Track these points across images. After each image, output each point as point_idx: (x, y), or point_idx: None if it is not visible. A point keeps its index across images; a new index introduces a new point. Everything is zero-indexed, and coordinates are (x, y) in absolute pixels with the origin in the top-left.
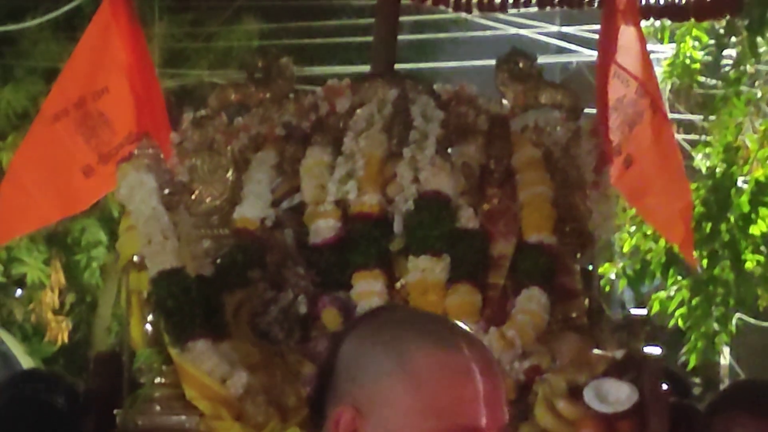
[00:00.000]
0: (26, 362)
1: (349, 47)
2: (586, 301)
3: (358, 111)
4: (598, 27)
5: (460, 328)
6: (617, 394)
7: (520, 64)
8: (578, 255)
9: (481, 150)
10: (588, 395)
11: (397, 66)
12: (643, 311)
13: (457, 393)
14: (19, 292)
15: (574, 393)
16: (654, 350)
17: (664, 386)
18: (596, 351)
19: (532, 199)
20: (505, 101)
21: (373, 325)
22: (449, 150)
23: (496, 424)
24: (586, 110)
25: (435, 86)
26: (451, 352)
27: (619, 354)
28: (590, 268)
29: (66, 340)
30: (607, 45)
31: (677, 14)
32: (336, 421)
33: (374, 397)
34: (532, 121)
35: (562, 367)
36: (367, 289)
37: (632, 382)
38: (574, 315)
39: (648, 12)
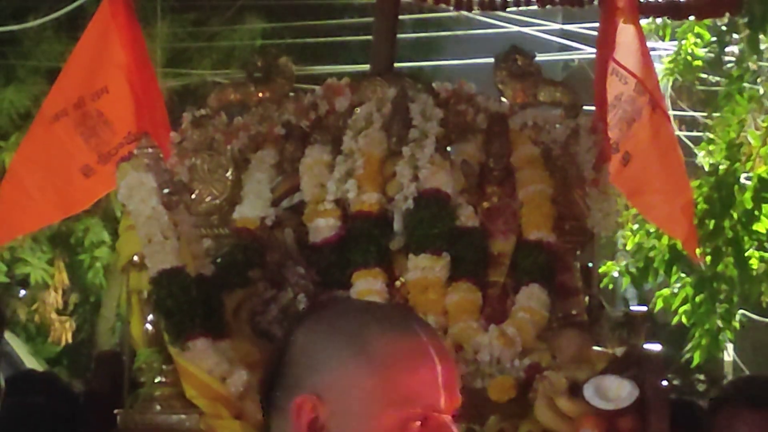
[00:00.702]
0: (30, 362)
1: (351, 46)
2: (586, 299)
3: (358, 110)
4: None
5: (414, 313)
6: (618, 391)
7: (519, 62)
8: (578, 252)
9: (480, 148)
10: (588, 392)
11: (398, 64)
12: (644, 308)
13: (419, 377)
14: (22, 292)
15: (575, 390)
16: (654, 347)
17: (665, 383)
18: (596, 348)
19: (532, 197)
20: (504, 99)
21: (327, 314)
22: (448, 148)
23: (453, 405)
24: (588, 107)
25: (434, 84)
26: (409, 337)
27: (619, 351)
28: (590, 265)
29: (70, 340)
30: (605, 43)
31: (677, 12)
32: (297, 409)
33: (336, 383)
34: (531, 119)
35: (563, 364)
36: (367, 288)
37: (633, 379)
38: (574, 312)
39: (648, 10)
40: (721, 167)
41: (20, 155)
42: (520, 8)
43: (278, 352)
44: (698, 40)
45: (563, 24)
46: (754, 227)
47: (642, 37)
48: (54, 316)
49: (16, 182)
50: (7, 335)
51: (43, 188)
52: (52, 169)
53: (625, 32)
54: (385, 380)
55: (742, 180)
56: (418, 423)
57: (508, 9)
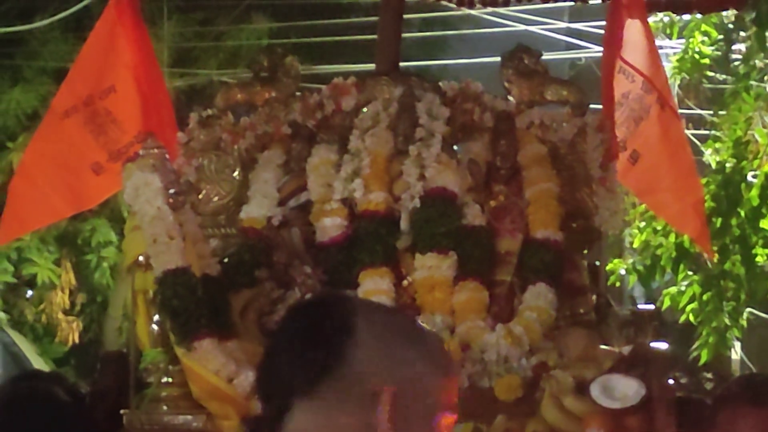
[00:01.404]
0: (37, 363)
1: (358, 45)
2: (594, 297)
3: (364, 109)
4: None
5: None
6: (624, 390)
7: (526, 61)
8: (585, 251)
9: (487, 147)
10: (595, 391)
11: (406, 64)
12: (651, 306)
13: (453, 385)
14: (29, 292)
15: (581, 389)
16: (661, 345)
17: (671, 381)
18: (603, 347)
19: (539, 196)
20: (510, 98)
21: (378, 312)
22: (455, 147)
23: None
24: (595, 106)
25: (440, 83)
26: (438, 341)
27: (626, 349)
28: (597, 263)
29: (76, 340)
30: (612, 41)
31: (682, 7)
32: (377, 396)
33: (406, 380)
34: (538, 118)
35: (569, 363)
36: (374, 287)
37: (639, 378)
38: (581, 311)
39: (653, 5)
40: (727, 165)
41: (31, 150)
42: (525, 6)
43: (332, 344)
44: (705, 38)
45: (570, 23)
46: (761, 225)
47: (650, 35)
48: (61, 316)
49: (27, 177)
50: (14, 336)
51: (54, 184)
52: (62, 165)
53: (633, 30)
54: (442, 385)
55: (749, 178)
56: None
57: (511, 7)
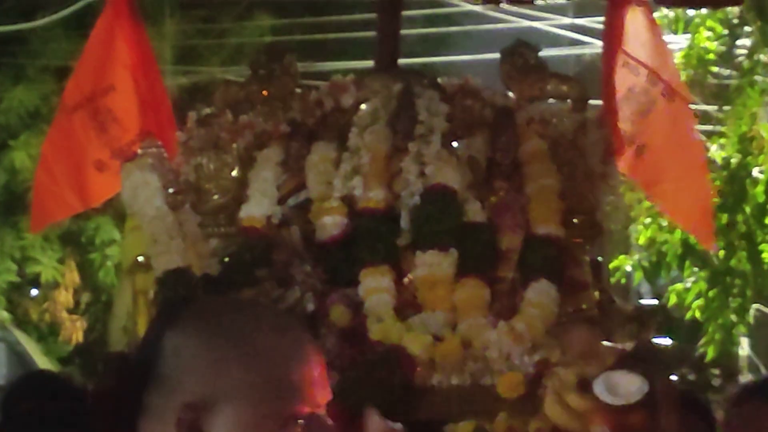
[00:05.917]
0: (42, 362)
1: (361, 42)
2: (596, 293)
3: (363, 106)
4: None
5: (277, 308)
6: (627, 387)
7: (525, 56)
8: (587, 247)
9: (487, 143)
10: (598, 388)
11: (409, 60)
12: (655, 302)
13: (299, 373)
14: (33, 291)
15: (584, 386)
16: (664, 341)
17: (674, 378)
18: (606, 343)
19: (540, 192)
20: (510, 93)
21: (201, 315)
22: (455, 144)
23: (325, 400)
24: (598, 101)
25: (439, 80)
26: (285, 333)
27: (629, 346)
28: (600, 259)
29: (80, 339)
30: (612, 34)
31: (686, 2)
32: (181, 414)
33: (220, 385)
34: (538, 113)
35: (572, 359)
36: (375, 285)
37: (643, 374)
38: (584, 307)
39: (664, 1)
40: (733, 161)
41: (49, 142)
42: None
43: (145, 355)
44: (710, 34)
45: (574, 18)
46: (767, 221)
47: (655, 26)
48: (65, 315)
49: (47, 168)
50: (19, 335)
51: (67, 177)
52: (73, 159)
53: (636, 22)
54: (269, 377)
55: (755, 173)
56: (301, 420)
57: (523, 3)
